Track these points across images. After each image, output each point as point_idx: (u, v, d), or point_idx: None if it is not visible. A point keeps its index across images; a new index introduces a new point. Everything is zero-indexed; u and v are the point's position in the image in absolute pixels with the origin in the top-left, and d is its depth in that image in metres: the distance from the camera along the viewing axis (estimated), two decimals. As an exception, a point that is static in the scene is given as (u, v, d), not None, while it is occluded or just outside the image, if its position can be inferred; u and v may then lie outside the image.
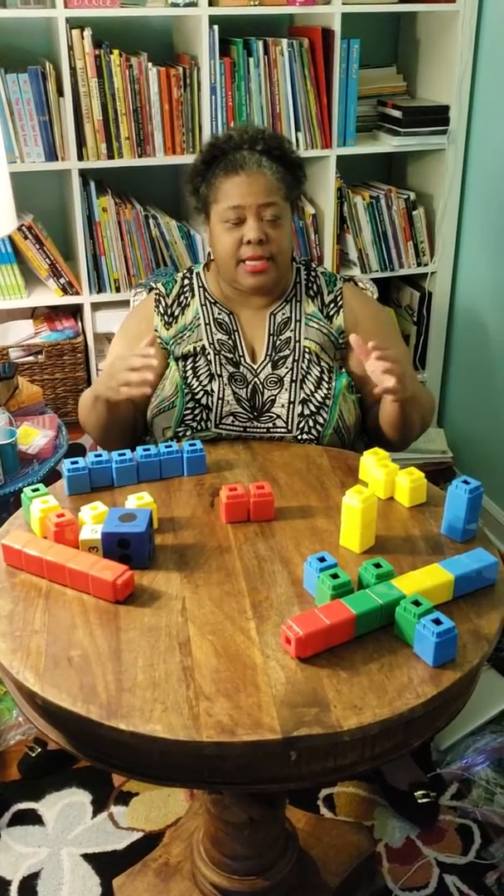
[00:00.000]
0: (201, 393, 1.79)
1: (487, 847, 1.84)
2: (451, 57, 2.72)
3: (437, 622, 1.16)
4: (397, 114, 2.76)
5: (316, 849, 1.72)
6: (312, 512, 1.51)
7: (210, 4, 2.46)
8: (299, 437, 1.77)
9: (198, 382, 1.81)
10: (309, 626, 1.16)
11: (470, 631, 1.23)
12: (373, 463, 1.55)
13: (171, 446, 1.62)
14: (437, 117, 2.76)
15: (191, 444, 1.63)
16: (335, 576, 1.24)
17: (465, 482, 1.39)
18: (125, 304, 2.47)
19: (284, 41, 2.57)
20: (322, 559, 1.28)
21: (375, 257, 2.88)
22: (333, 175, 2.73)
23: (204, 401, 1.79)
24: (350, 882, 1.69)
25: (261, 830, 1.47)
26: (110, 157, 2.55)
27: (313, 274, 1.91)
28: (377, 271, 2.89)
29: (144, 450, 1.60)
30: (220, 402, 1.79)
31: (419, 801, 1.89)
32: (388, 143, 2.81)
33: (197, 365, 1.82)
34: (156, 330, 1.88)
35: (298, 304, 1.87)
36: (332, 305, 1.88)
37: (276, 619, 1.25)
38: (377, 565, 1.27)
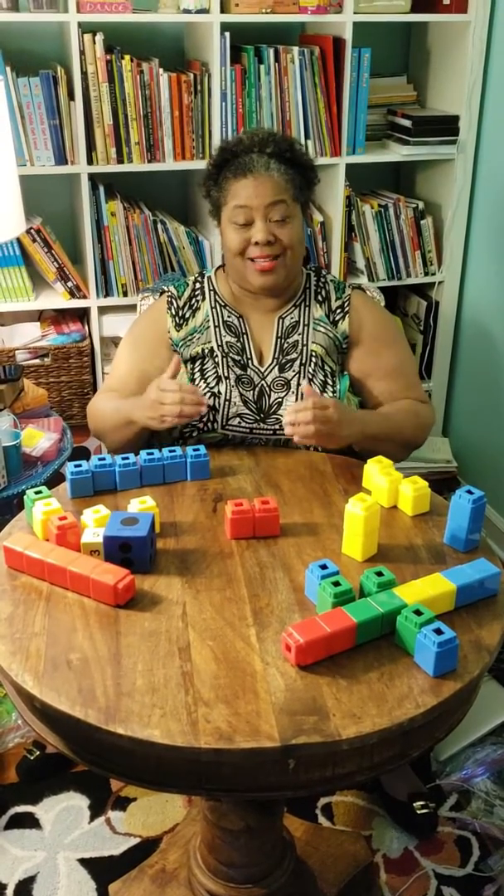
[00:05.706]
0: (208, 394, 1.80)
1: (486, 860, 1.83)
2: (461, 67, 2.72)
3: (439, 632, 1.15)
4: (407, 123, 2.77)
5: (313, 858, 1.72)
6: (315, 519, 1.51)
7: (222, 11, 2.46)
8: None
9: (205, 384, 1.81)
10: (309, 634, 1.16)
11: (471, 641, 1.22)
12: (376, 471, 1.54)
13: (174, 451, 1.62)
14: (446, 127, 2.76)
15: (195, 450, 1.63)
16: (337, 583, 1.24)
17: (469, 492, 1.39)
18: (132, 308, 2.47)
19: (295, 49, 2.57)
20: (324, 566, 1.28)
21: (383, 266, 2.88)
22: (342, 183, 2.73)
23: (211, 402, 1.79)
24: (347, 892, 1.68)
25: (258, 838, 1.46)
26: (120, 161, 2.55)
27: (322, 280, 1.92)
28: (384, 280, 2.89)
29: (148, 454, 1.60)
30: (227, 403, 1.79)
31: (418, 811, 1.88)
32: (397, 153, 2.81)
33: (205, 367, 1.83)
34: (168, 332, 1.88)
35: (307, 308, 1.88)
36: (338, 311, 1.88)
37: (276, 626, 1.24)
38: (379, 574, 1.27)
